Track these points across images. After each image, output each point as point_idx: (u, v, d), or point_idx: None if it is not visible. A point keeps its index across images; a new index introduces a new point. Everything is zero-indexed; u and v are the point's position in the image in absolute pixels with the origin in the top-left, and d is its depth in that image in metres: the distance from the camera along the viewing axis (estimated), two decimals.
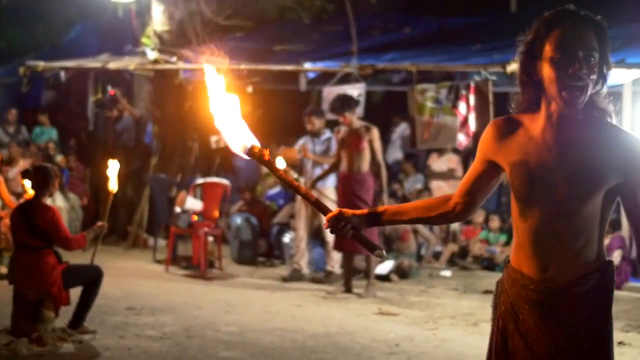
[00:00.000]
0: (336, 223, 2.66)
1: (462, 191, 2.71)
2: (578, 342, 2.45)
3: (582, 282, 2.44)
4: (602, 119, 2.46)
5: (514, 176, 2.51)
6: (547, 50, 2.41)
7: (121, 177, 6.62)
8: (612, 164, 2.39)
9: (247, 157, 2.58)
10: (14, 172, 10.39)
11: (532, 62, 2.46)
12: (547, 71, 2.41)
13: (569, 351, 2.46)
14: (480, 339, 6.69)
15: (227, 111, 2.55)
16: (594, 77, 2.39)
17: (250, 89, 10.89)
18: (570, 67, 2.37)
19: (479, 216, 10.48)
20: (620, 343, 6.39)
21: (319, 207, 2.70)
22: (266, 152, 2.57)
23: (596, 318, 2.46)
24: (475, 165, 2.68)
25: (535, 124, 2.50)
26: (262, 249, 10.74)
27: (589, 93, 2.39)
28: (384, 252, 2.68)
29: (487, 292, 8.68)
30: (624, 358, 6.09)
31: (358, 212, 2.71)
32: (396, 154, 12.46)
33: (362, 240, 2.67)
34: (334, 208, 8.84)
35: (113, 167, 6.58)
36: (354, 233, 2.67)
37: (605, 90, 2.46)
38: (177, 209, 9.94)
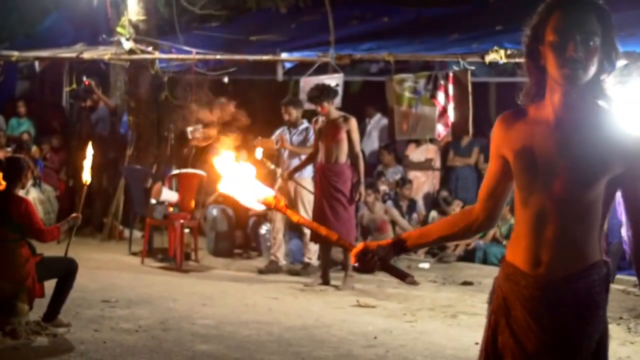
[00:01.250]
0: (363, 257, 2.66)
1: (482, 197, 2.67)
2: (569, 342, 2.41)
3: (576, 279, 2.40)
4: (607, 106, 2.44)
5: (517, 164, 2.49)
6: (548, 33, 2.41)
7: (96, 167, 6.56)
8: (615, 151, 2.37)
9: (263, 208, 2.67)
10: None
11: (536, 47, 2.46)
12: (548, 54, 2.41)
13: (559, 351, 2.42)
14: (459, 330, 6.68)
15: (236, 172, 2.66)
16: (594, 60, 2.37)
17: (226, 80, 10.81)
18: (567, 50, 2.36)
19: (456, 207, 10.46)
20: None
21: (341, 244, 2.74)
22: (281, 200, 2.64)
23: (589, 318, 2.41)
24: (490, 166, 2.65)
25: (540, 112, 2.49)
26: (238, 240, 10.68)
27: (589, 74, 2.38)
28: (415, 278, 2.68)
29: (465, 283, 8.68)
30: None
31: (383, 242, 2.70)
32: (373, 145, 12.42)
33: (391, 271, 2.68)
34: (311, 199, 8.77)
35: (87, 158, 6.50)
36: (382, 264, 2.67)
37: (611, 77, 2.44)
38: (153, 200, 9.86)
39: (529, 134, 2.47)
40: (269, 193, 2.64)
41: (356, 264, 2.69)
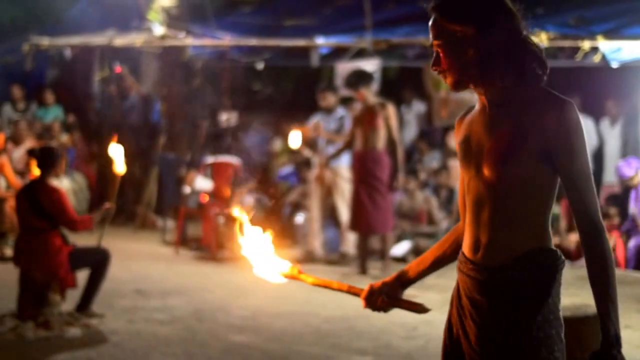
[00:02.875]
0: (370, 299, 2.65)
1: (460, 207, 2.59)
2: (503, 335, 2.33)
3: (510, 267, 2.33)
4: (534, 86, 2.35)
5: (459, 154, 2.50)
6: None
7: (128, 156, 6.49)
8: (535, 125, 2.30)
9: (284, 280, 2.71)
10: (19, 151, 10.18)
11: None
12: None
13: (494, 344, 2.34)
14: None
15: (257, 245, 2.69)
16: (450, 63, 2.36)
17: (260, 66, 10.68)
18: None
19: None
20: None
21: (353, 292, 2.69)
22: (298, 269, 2.69)
23: (523, 310, 2.31)
24: (461, 172, 2.60)
25: (481, 100, 2.47)
26: (274, 229, 10.53)
27: (457, 77, 2.38)
28: (425, 305, 2.62)
29: None
30: None
31: (387, 279, 2.68)
32: (410, 132, 12.22)
33: (401, 305, 2.66)
34: (347, 187, 8.57)
35: (119, 148, 6.40)
36: (390, 301, 2.64)
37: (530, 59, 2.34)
38: (187, 189, 9.82)
39: (468, 124, 2.48)
40: (286, 265, 2.67)
41: (366, 307, 2.68)
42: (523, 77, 2.33)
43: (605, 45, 9.13)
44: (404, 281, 2.67)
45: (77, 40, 11.52)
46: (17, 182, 8.94)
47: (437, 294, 7.46)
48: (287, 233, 10.55)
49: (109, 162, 6.64)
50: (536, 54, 2.35)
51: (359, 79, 8.23)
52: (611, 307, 2.23)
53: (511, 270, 2.32)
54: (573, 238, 9.16)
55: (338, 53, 10.88)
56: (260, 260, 2.68)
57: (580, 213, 2.30)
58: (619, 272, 8.58)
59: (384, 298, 2.62)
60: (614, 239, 8.69)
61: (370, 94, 8.31)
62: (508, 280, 2.32)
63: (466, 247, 2.44)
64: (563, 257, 2.38)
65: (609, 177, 10.35)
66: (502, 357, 2.34)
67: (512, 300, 2.32)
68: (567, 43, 9.42)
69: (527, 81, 2.34)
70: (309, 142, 9.52)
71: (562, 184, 2.32)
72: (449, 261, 2.63)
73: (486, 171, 2.35)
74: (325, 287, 2.70)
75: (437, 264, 2.67)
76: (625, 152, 10.36)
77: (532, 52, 2.34)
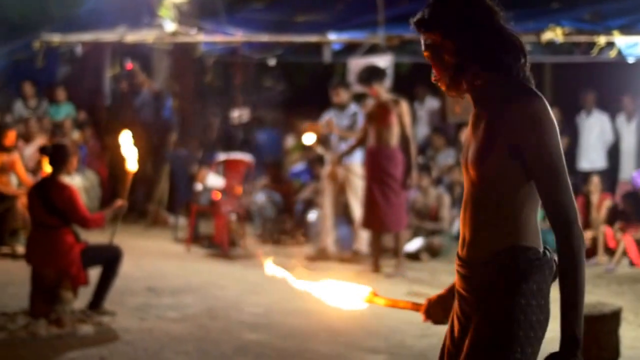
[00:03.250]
0: (429, 311, 2.69)
1: None
2: (480, 331, 2.35)
3: (489, 263, 2.35)
4: (508, 85, 2.37)
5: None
6: None
7: (140, 153, 6.46)
8: (504, 121, 2.31)
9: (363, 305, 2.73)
10: (31, 148, 10.17)
11: None
12: None
13: (471, 340, 2.36)
14: None
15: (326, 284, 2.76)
16: (438, 71, 2.42)
17: (272, 62, 10.63)
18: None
19: None
20: None
21: (415, 309, 2.74)
22: (374, 292, 2.71)
23: (498, 306, 2.32)
24: None
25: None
26: (286, 227, 10.53)
27: (446, 83, 2.42)
28: None
29: None
30: None
31: (442, 292, 2.69)
32: (423, 128, 12.14)
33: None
34: (360, 184, 8.56)
35: (131, 145, 6.38)
36: (445, 313, 2.64)
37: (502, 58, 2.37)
38: (199, 186, 9.80)
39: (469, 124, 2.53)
40: (365, 290, 2.72)
41: (426, 321, 2.72)
42: (498, 71, 2.35)
43: (621, 41, 9.02)
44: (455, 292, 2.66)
45: (88, 37, 11.50)
46: (29, 179, 8.94)
47: None
48: (299, 230, 10.54)
49: (120, 159, 6.63)
50: (508, 45, 2.35)
51: (372, 74, 8.17)
52: (572, 308, 2.21)
53: (486, 267, 2.34)
54: (587, 235, 9.07)
55: (350, 49, 10.83)
56: (337, 291, 2.73)
57: (548, 208, 2.28)
58: (635, 270, 8.49)
59: (441, 311, 2.64)
60: (621, 243, 8.62)
61: (383, 89, 8.25)
62: (484, 277, 2.35)
63: (459, 244, 2.50)
64: (548, 256, 2.36)
65: (626, 174, 10.26)
66: (468, 353, 2.36)
67: (485, 298, 2.34)
68: (582, 38, 9.32)
69: (502, 75, 2.35)
70: (322, 139, 9.46)
71: (533, 180, 2.30)
72: None
73: (469, 170, 2.39)
74: (394, 307, 2.77)
75: None
76: None
77: (503, 45, 2.35)
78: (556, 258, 2.33)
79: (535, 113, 2.26)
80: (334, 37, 10.52)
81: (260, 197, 10.48)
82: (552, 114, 2.30)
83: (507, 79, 2.35)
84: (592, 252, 8.85)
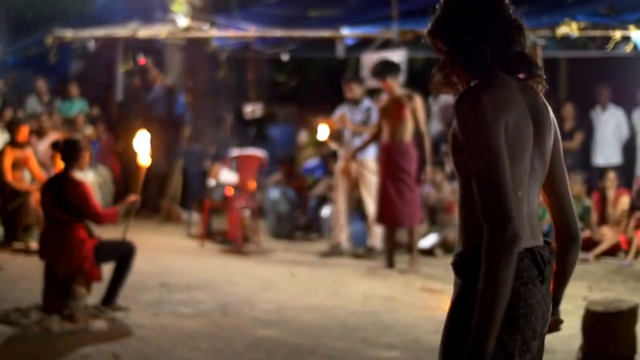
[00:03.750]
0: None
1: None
2: (445, 324, 2.35)
3: (460, 258, 2.35)
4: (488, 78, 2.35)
5: None
6: None
7: (153, 149, 6.45)
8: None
9: None
10: (43, 144, 10.17)
11: None
12: None
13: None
14: None
15: None
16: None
17: (286, 57, 10.60)
18: None
19: None
20: None
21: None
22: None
23: (457, 301, 2.34)
24: None
25: None
26: (300, 222, 10.51)
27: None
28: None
29: None
30: None
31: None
32: (437, 124, 12.07)
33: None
34: (374, 180, 8.52)
35: (144, 140, 6.36)
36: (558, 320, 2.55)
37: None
38: (212, 182, 9.78)
39: None
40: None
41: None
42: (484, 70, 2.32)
43: (637, 35, 8.94)
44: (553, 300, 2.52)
45: (100, 32, 11.50)
46: (42, 175, 8.94)
47: None
48: (313, 226, 10.52)
49: (133, 154, 6.62)
50: (497, 45, 2.31)
51: (386, 68, 8.13)
52: (480, 318, 2.12)
53: (460, 261, 2.34)
54: (605, 231, 9.01)
55: (364, 44, 10.78)
56: None
57: (478, 210, 2.19)
58: None
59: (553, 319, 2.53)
60: (635, 239, 8.57)
61: (397, 84, 8.21)
62: (458, 270, 2.35)
63: None
64: (527, 253, 2.26)
65: None
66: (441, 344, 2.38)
67: (457, 292, 2.34)
68: (597, 33, 9.25)
69: (486, 74, 2.31)
70: (335, 134, 9.43)
71: None
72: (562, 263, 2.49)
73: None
74: None
75: (560, 273, 2.51)
76: None
77: (490, 45, 2.31)
78: (544, 253, 2.30)
79: (462, 113, 2.21)
80: (347, 32, 10.48)
81: (273, 193, 10.45)
82: (490, 112, 2.19)
83: (498, 75, 2.31)
84: (616, 248, 8.84)
